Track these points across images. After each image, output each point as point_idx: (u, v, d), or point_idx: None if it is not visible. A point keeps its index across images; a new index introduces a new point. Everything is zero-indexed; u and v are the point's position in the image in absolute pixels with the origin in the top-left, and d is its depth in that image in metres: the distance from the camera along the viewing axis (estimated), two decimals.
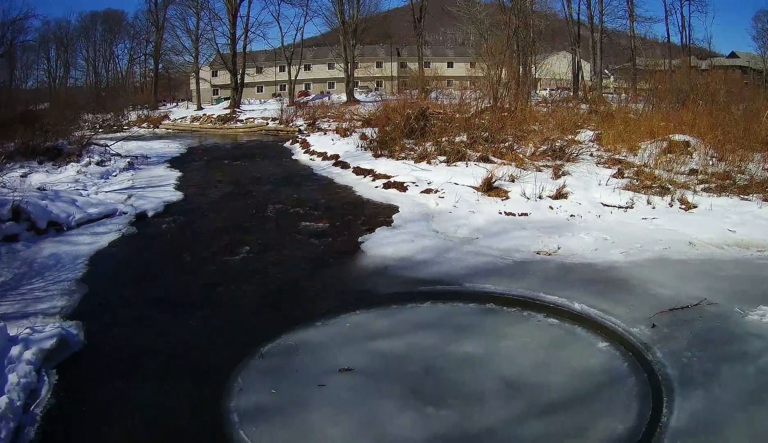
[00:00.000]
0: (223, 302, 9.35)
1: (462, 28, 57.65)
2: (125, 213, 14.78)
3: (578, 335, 7.80)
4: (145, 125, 54.52)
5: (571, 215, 13.35)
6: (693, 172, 15.74)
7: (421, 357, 7.27)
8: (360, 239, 12.45)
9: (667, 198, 13.78)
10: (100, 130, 38.10)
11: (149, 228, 14.07)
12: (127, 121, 54.36)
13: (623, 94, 33.26)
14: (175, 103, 75.04)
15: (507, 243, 11.62)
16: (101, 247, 12.24)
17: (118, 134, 35.77)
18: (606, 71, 58.32)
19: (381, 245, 11.89)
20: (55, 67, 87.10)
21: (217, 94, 75.60)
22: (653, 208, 13.42)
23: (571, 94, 41.85)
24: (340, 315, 8.58)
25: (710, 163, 16.20)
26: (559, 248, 11.14)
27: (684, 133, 18.33)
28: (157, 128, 53.68)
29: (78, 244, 12.24)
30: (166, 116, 59.93)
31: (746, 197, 13.79)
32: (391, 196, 16.59)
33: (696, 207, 13.32)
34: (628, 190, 14.43)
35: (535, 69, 45.79)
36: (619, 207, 13.54)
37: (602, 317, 8.19)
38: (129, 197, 17.00)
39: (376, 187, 18.00)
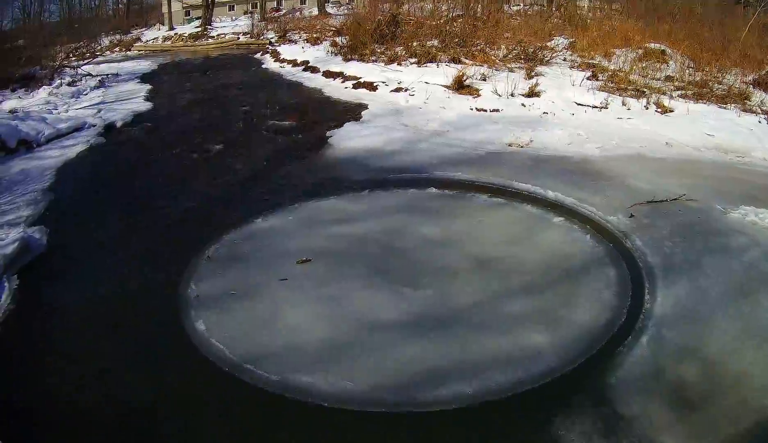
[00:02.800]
0: (187, 197, 8.69)
1: None
2: (94, 125, 14.07)
3: (553, 221, 7.17)
4: (117, 49, 53.19)
5: (545, 113, 12.62)
6: (669, 79, 15.01)
7: (390, 239, 6.72)
8: (328, 133, 11.74)
9: (643, 101, 13.04)
10: (74, 58, 37.35)
11: (118, 137, 13.35)
12: (100, 47, 52.87)
13: (597, 11, 32.36)
14: (146, 27, 73.40)
15: (478, 136, 10.92)
16: (69, 158, 11.46)
17: (89, 59, 34.51)
18: None
19: (349, 138, 11.21)
20: (30, 3, 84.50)
21: (189, 15, 73.87)
22: (628, 109, 12.69)
23: (545, 8, 40.91)
24: (304, 202, 8.01)
25: (687, 72, 15.47)
26: (531, 141, 10.46)
27: (659, 41, 17.58)
28: (129, 50, 52.20)
29: (47, 158, 11.50)
30: (138, 39, 58.48)
31: (724, 106, 13.07)
32: (361, 95, 15.77)
33: (672, 111, 12.57)
34: (603, 91, 13.65)
35: None
36: (594, 107, 12.79)
37: (578, 205, 7.60)
38: (99, 111, 16.24)
39: (346, 88, 17.12)
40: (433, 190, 8.24)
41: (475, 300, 5.45)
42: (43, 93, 19.87)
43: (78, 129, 13.75)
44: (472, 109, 13.06)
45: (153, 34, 60.16)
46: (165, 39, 55.95)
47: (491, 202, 7.81)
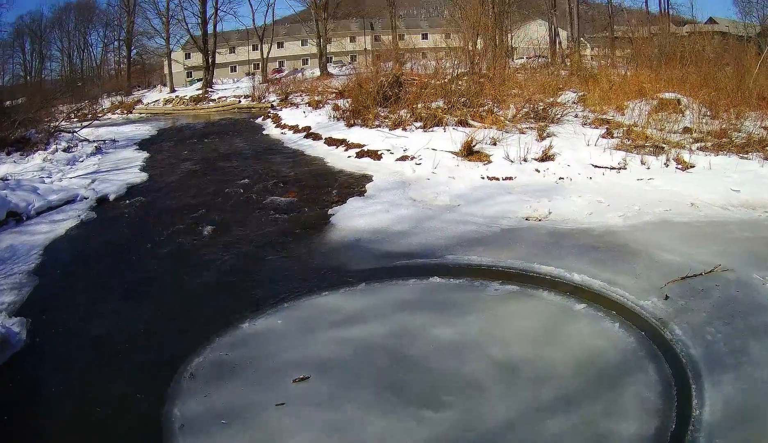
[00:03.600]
0: (174, 292, 8.13)
1: None
2: (86, 198, 13.85)
3: (580, 311, 6.60)
4: (118, 111, 54.05)
5: (560, 178, 12.16)
6: (687, 130, 14.64)
7: (400, 345, 6.07)
8: (330, 211, 11.22)
9: (662, 158, 12.65)
10: (75, 119, 37.73)
11: (109, 212, 12.99)
12: (101, 108, 53.33)
13: (602, 61, 32.13)
14: (147, 89, 74.12)
15: (492, 209, 10.40)
16: (58, 235, 11.13)
17: (89, 121, 34.63)
18: (582, 40, 57.33)
19: (352, 217, 10.65)
20: (31, 59, 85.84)
21: (191, 76, 74.83)
22: (648, 168, 12.27)
23: (549, 61, 40.88)
24: (303, 298, 7.38)
25: (704, 121, 15.06)
26: (550, 213, 9.95)
27: (673, 90, 17.17)
28: (131, 113, 53.48)
29: (35, 233, 11.20)
30: (139, 101, 59.75)
31: (745, 155, 12.71)
32: (365, 165, 15.34)
33: (693, 166, 12.21)
34: (620, 150, 13.25)
35: (512, 38, 44.69)
36: (612, 168, 12.36)
37: (607, 289, 7.06)
38: (93, 181, 16.01)
39: (349, 157, 16.71)
40: (447, 280, 7.65)
41: (506, 420, 4.87)
42: (38, 158, 19.98)
43: (69, 201, 13.57)
44: (483, 177, 12.61)
45: (154, 97, 61.35)
46: (166, 102, 56.98)
47: (512, 291, 7.24)
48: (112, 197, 14.08)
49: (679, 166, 12.28)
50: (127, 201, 13.72)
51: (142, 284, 8.43)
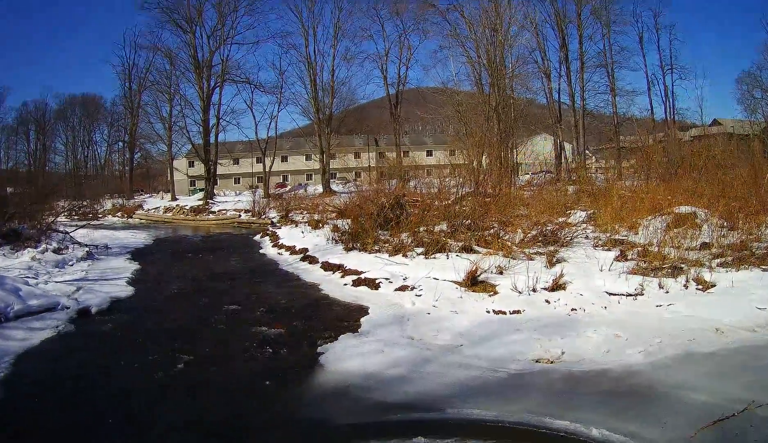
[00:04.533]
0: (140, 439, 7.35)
1: (440, 110, 56.84)
2: (67, 308, 13.56)
3: None
4: (119, 214, 55.16)
5: (573, 309, 11.48)
6: (705, 246, 14.04)
7: None
8: (320, 349, 10.43)
9: (681, 279, 12.01)
10: (75, 216, 40.06)
11: (88, 326, 12.57)
12: (102, 209, 53.93)
13: (609, 172, 31.92)
14: (150, 194, 74.92)
15: (498, 350, 9.63)
16: (32, 345, 10.86)
17: (84, 222, 35.63)
18: (588, 152, 57.63)
19: (344, 358, 9.84)
20: (35, 149, 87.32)
21: (194, 185, 76.03)
22: (666, 292, 11.62)
23: (555, 176, 40.84)
24: None
25: (722, 234, 14.45)
26: (563, 353, 9.22)
27: (688, 204, 16.61)
28: (131, 217, 54.92)
29: (10, 339, 10.99)
30: (140, 206, 61.23)
31: (767, 268, 12.08)
32: (361, 295, 14.65)
33: (715, 286, 11.57)
34: (635, 274, 12.60)
35: (516, 154, 44.83)
36: (628, 295, 11.71)
37: None
38: (78, 289, 15.75)
39: (345, 284, 16.09)
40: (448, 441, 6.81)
41: None
42: (27, 256, 20.06)
43: (50, 309, 13.32)
44: (489, 311, 11.91)
45: (155, 203, 63.58)
46: (166, 210, 58.57)
47: None
48: (93, 310, 13.74)
49: (700, 286, 11.66)
50: (108, 317, 13.33)
51: (98, 428, 7.62)
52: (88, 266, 20.88)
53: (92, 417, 7.90)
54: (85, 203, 49.06)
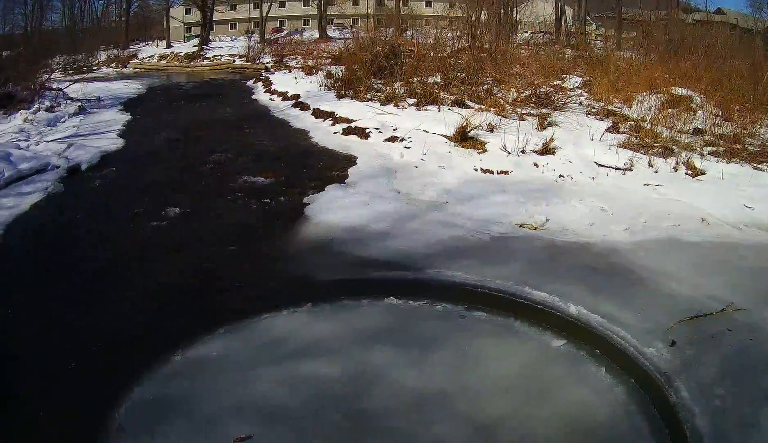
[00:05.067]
0: (121, 293, 7.11)
1: None
2: (57, 167, 13.14)
3: (574, 358, 5.63)
4: (113, 64, 53.38)
5: (561, 176, 11.13)
6: (698, 132, 13.53)
7: (359, 394, 5.10)
8: (305, 199, 10.18)
9: (671, 161, 11.61)
10: (70, 71, 38.71)
11: (78, 185, 12.13)
12: (97, 61, 52.47)
13: (609, 42, 31.07)
14: (145, 42, 73.10)
15: (483, 211, 9.33)
16: (22, 211, 10.31)
17: (78, 76, 34.66)
18: (588, 19, 56.22)
19: (329, 209, 9.58)
20: (32, 9, 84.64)
21: (190, 32, 73.64)
22: (656, 172, 11.24)
23: (554, 38, 39.85)
24: (258, 317, 6.32)
25: (716, 123, 14.00)
26: (547, 220, 8.91)
27: (685, 86, 16.08)
28: (125, 67, 53.01)
29: (0, 208, 10.42)
30: (135, 56, 59.18)
31: (759, 166, 11.68)
32: (351, 144, 14.24)
33: (704, 174, 11.18)
34: (626, 148, 12.19)
35: (517, 12, 43.55)
36: (617, 169, 11.33)
37: (606, 329, 6.03)
38: (69, 146, 15.28)
39: (335, 132, 15.65)
40: (423, 303, 6.62)
41: None
42: (19, 118, 19.38)
43: (40, 171, 12.86)
44: (476, 169, 11.54)
45: (150, 52, 61.58)
46: (161, 58, 56.69)
47: (497, 325, 6.21)
48: (84, 167, 13.34)
49: (689, 172, 11.27)
50: (97, 173, 12.90)
51: (86, 279, 7.53)
52: (79, 121, 20.30)
53: (71, 284, 7.56)
54: (79, 58, 47.71)
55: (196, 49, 56.01)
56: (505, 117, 14.44)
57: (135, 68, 51.66)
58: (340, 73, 21.78)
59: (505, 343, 5.90)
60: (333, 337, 5.96)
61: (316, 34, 60.30)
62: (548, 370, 5.46)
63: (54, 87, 25.51)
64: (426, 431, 4.62)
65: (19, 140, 15.97)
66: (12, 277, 7.78)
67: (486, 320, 6.29)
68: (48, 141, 16.05)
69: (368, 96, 18.47)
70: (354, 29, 45.56)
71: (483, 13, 29.08)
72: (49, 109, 21.20)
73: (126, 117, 20.91)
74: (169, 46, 62.14)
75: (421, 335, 6.01)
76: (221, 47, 56.22)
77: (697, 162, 11.50)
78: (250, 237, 8.76)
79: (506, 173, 11.32)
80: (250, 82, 31.82)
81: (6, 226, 9.51)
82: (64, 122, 19.97)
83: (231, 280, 7.38)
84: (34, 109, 20.73)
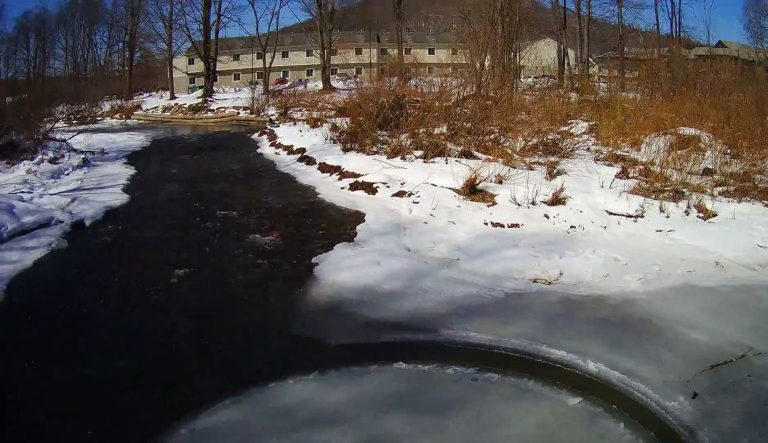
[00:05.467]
0: (126, 358, 6.98)
1: (443, 10, 55.34)
2: (61, 222, 13.07)
3: (597, 418, 5.53)
4: (117, 115, 53.92)
5: (572, 227, 11.12)
6: (708, 172, 13.60)
7: None
8: (314, 259, 10.03)
9: (683, 204, 11.63)
10: (74, 121, 38.16)
11: (82, 241, 12.08)
12: (101, 112, 52.88)
13: (613, 83, 31.25)
14: (149, 93, 73.69)
15: (495, 266, 9.30)
16: (25, 267, 10.23)
17: (82, 127, 34.55)
18: (591, 60, 56.62)
19: (338, 269, 9.45)
20: (35, 56, 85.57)
21: (193, 82, 74.67)
22: (667, 217, 11.26)
23: (557, 82, 40.12)
24: (267, 386, 6.19)
25: (725, 161, 14.01)
26: (561, 274, 8.89)
27: (692, 125, 16.11)
28: (129, 118, 53.48)
29: (3, 263, 10.37)
30: (139, 107, 59.51)
31: None
32: (358, 199, 14.22)
33: (716, 215, 11.22)
34: (637, 194, 12.23)
35: (520, 57, 43.91)
36: (628, 216, 11.35)
37: (627, 384, 6.00)
38: (73, 200, 15.26)
39: (342, 187, 15.65)
40: (438, 367, 6.49)
41: None
42: (23, 169, 19.50)
43: (44, 225, 12.86)
44: (487, 223, 11.51)
45: (154, 103, 62.01)
46: (165, 109, 57.06)
47: (516, 385, 6.12)
48: (88, 223, 13.25)
49: (701, 215, 11.31)
50: (102, 229, 12.82)
51: (89, 348, 7.35)
52: (83, 174, 20.38)
53: (80, 343, 7.58)
54: (83, 107, 48.12)
55: (200, 100, 56.41)
56: (514, 167, 14.49)
57: (139, 120, 52.13)
58: (345, 126, 21.77)
59: (525, 407, 5.78)
60: (345, 405, 5.85)
61: (320, 85, 60.73)
62: (571, 432, 5.38)
63: (58, 138, 25.76)
64: None
65: (23, 192, 16.01)
66: (12, 333, 7.80)
67: (504, 382, 6.19)
68: (52, 194, 16.10)
69: (374, 149, 18.54)
70: (357, 79, 45.93)
71: (486, 59, 29.30)
72: (52, 161, 21.28)
73: (130, 171, 20.98)
74: (173, 97, 62.70)
75: (438, 398, 5.91)
76: (225, 99, 56.56)
77: (708, 204, 11.54)
78: (258, 299, 8.67)
79: (517, 226, 11.31)
80: (255, 135, 31.95)
81: (10, 280, 9.51)
82: (68, 174, 20.01)
83: (237, 346, 7.31)
84: (37, 160, 20.87)
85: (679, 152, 14.65)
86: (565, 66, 50.42)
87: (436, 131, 18.48)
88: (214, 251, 11.08)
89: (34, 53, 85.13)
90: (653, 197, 12.05)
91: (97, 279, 9.83)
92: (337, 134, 21.82)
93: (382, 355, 6.77)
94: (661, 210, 11.43)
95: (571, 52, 55.46)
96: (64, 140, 25.52)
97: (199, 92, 61.70)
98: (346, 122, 22.02)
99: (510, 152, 15.99)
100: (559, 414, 5.63)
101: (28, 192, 16.09)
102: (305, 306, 8.39)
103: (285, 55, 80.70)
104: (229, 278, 9.65)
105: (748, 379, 5.89)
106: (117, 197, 15.93)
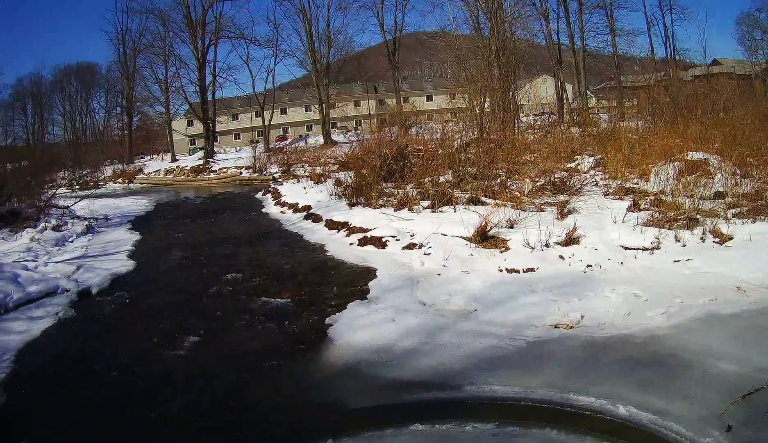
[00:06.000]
0: (139, 431, 6.90)
1: (439, 56, 55.75)
2: (67, 291, 13.03)
3: None
4: (120, 179, 54.52)
5: (588, 266, 11.01)
6: (719, 195, 13.51)
7: None
8: (328, 320, 9.87)
9: (697, 231, 11.55)
10: (77, 187, 39.48)
11: (89, 310, 11.99)
12: (103, 176, 53.45)
13: (613, 113, 31.27)
14: (150, 156, 74.43)
15: (514, 315, 9.17)
16: (33, 337, 10.22)
17: (85, 193, 34.42)
18: (588, 92, 56.88)
19: (353, 329, 9.31)
20: (33, 123, 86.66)
21: (194, 144, 75.51)
22: (683, 246, 11.17)
23: (557, 118, 40.20)
24: None
25: (735, 182, 13.91)
26: (582, 317, 8.76)
27: (699, 150, 16.02)
28: (132, 182, 54.25)
29: (10, 333, 10.36)
30: (141, 170, 60.31)
31: None
32: (368, 255, 14.09)
33: (732, 239, 11.13)
34: (650, 225, 12.13)
35: (518, 96, 44.07)
36: (644, 249, 11.25)
37: (659, 426, 5.88)
38: (78, 268, 15.22)
39: (351, 244, 15.55)
40: (465, 426, 6.31)
41: None
42: (26, 237, 19.53)
43: (50, 294, 12.83)
44: (501, 270, 11.38)
45: (156, 166, 62.93)
46: (167, 172, 57.90)
47: (549, 438, 5.98)
48: (94, 291, 13.21)
49: (717, 239, 11.22)
50: (108, 297, 12.73)
51: (101, 423, 7.19)
52: (88, 241, 20.37)
53: (94, 415, 7.47)
54: (85, 173, 48.47)
55: (201, 162, 56.88)
56: (524, 210, 14.33)
57: (142, 184, 52.68)
58: (349, 180, 21.71)
59: None
60: None
61: (321, 140, 61.18)
62: None
63: (60, 205, 25.81)
64: None
65: (27, 260, 16.01)
66: (21, 406, 7.78)
67: (538, 435, 6.05)
68: (56, 262, 16.04)
69: (380, 202, 18.46)
70: (358, 131, 46.17)
71: (486, 102, 29.38)
72: (56, 228, 21.39)
73: (135, 237, 20.94)
74: (174, 159, 63.36)
75: None
76: (227, 159, 57.07)
77: (723, 227, 11.47)
78: (270, 365, 8.46)
79: (532, 270, 11.20)
80: (259, 195, 32.04)
81: (18, 351, 9.49)
82: (72, 241, 20.01)
83: (259, 413, 7.16)
84: (40, 227, 20.92)
85: (688, 178, 14.58)
86: (564, 101, 50.67)
87: (442, 178, 18.42)
88: (224, 316, 10.89)
89: (32, 120, 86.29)
90: (667, 227, 11.96)
91: (105, 350, 9.75)
92: (342, 189, 21.84)
93: (400, 417, 6.60)
94: (677, 239, 11.35)
95: (568, 87, 55.77)
96: (67, 207, 25.56)
97: (200, 154, 62.20)
98: (350, 177, 21.95)
99: (518, 194, 15.91)
100: None
101: (33, 260, 16.11)
102: (322, 371, 8.21)
103: (284, 111, 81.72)
104: (241, 343, 9.44)
105: None
106: (123, 264, 15.90)
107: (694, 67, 57.88)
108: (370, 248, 14.74)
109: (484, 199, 16.21)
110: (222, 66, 65.41)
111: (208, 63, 61.27)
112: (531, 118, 38.72)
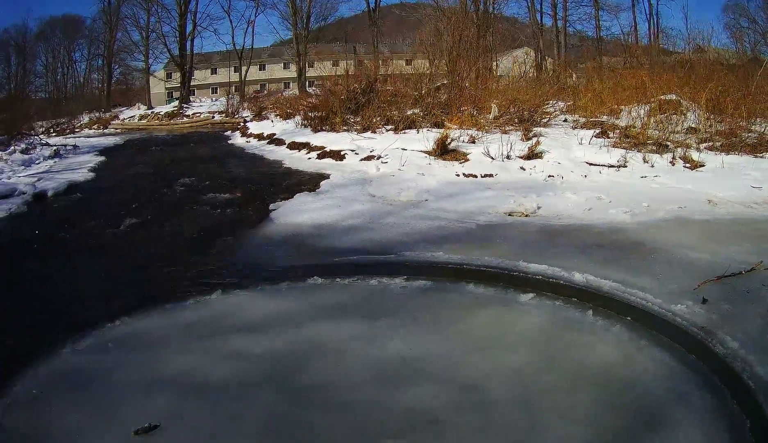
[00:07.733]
0: (75, 278, 6.61)
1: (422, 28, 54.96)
2: (24, 193, 12.63)
3: (591, 322, 4.64)
4: (95, 126, 52.91)
5: (550, 175, 10.22)
6: (692, 130, 12.74)
7: (311, 364, 4.10)
8: (272, 206, 9.26)
9: (667, 156, 10.76)
10: (53, 134, 37.28)
11: (42, 207, 11.57)
12: (79, 124, 52.31)
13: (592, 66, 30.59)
14: (128, 107, 73.38)
15: (467, 205, 8.40)
16: None
17: (65, 135, 33.53)
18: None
19: (296, 212, 8.65)
20: (15, 73, 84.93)
21: (172, 96, 74.01)
22: (652, 166, 10.38)
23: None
24: (203, 297, 5.38)
25: (710, 124, 13.13)
26: (539, 208, 7.99)
27: (673, 92, 15.22)
28: (106, 128, 52.35)
29: None
30: (116, 117, 58.53)
31: (760, 155, 10.90)
32: (325, 166, 13.30)
33: (704, 166, 10.34)
34: (618, 147, 11.36)
35: (497, 66, 43.38)
36: (610, 166, 10.47)
37: (621, 292, 5.16)
38: (39, 179, 14.69)
39: (309, 158, 14.71)
40: (398, 281, 5.59)
41: None
42: None
43: (6, 196, 12.32)
44: (458, 175, 10.60)
45: (131, 113, 60.89)
46: (141, 117, 56.45)
47: (490, 295, 5.21)
48: (50, 193, 12.68)
49: (688, 165, 10.43)
50: (64, 198, 12.25)
51: (34, 277, 6.75)
52: (54, 162, 19.57)
53: (27, 274, 6.91)
54: (62, 120, 47.49)
55: (176, 108, 55.79)
56: (487, 132, 13.49)
57: (116, 129, 51.48)
58: (317, 115, 20.70)
59: (504, 312, 4.93)
60: (288, 313, 5.08)
61: (297, 93, 60.34)
62: (561, 335, 4.49)
63: (31, 133, 25.03)
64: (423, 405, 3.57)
65: None
66: None
67: (477, 293, 5.28)
68: (20, 176, 15.47)
69: (345, 127, 17.58)
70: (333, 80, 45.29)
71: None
72: (24, 151, 20.69)
73: (100, 159, 20.16)
74: (150, 107, 62.14)
75: (397, 308, 5.05)
76: (201, 105, 56.21)
77: (695, 156, 10.69)
78: (210, 238, 7.83)
79: (491, 176, 10.40)
80: (228, 132, 31.50)
81: None
82: (38, 163, 19.26)
83: (188, 269, 6.46)
84: (9, 151, 20.25)
85: (661, 117, 13.77)
86: (543, 70, 50.11)
87: (409, 112, 17.46)
88: (173, 206, 10.39)
89: (15, 69, 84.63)
90: (636, 150, 11.18)
91: (53, 230, 9.23)
92: (309, 120, 20.81)
93: (334, 273, 5.90)
94: (645, 161, 10.58)
95: (549, 61, 55.26)
96: (38, 134, 25.18)
97: (176, 102, 61.16)
98: (318, 114, 21.00)
99: (483, 122, 15.01)
100: (550, 318, 4.76)
101: None
102: (257, 241, 7.62)
103: (262, 67, 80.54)
104: (182, 223, 8.92)
105: (763, 288, 5.10)
106: (83, 176, 15.34)
107: (677, 55, 57.41)
108: (328, 160, 13.94)
109: (449, 124, 15.27)
110: (203, 15, 64.14)
111: (190, 12, 60.00)
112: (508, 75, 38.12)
